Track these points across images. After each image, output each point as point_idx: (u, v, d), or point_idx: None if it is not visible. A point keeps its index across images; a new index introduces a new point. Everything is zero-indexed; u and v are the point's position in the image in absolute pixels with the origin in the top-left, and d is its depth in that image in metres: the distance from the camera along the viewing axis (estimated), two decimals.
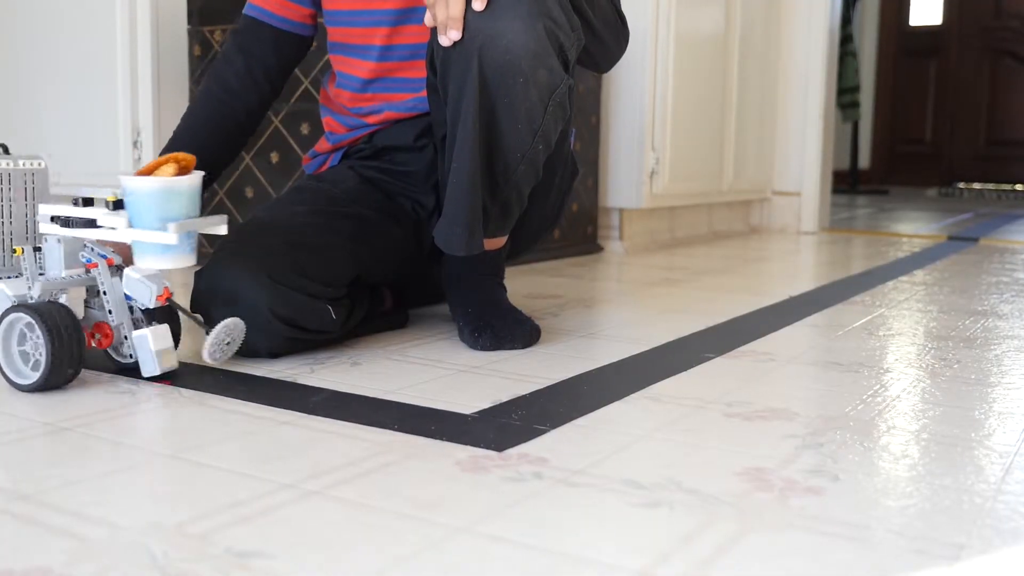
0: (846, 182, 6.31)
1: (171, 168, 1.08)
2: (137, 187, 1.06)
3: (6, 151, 1.19)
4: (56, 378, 1.05)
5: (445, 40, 1.16)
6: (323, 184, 1.42)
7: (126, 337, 1.14)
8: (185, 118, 1.42)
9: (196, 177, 1.09)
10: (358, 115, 1.45)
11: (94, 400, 1.04)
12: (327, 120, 1.50)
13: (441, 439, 0.93)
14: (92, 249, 1.12)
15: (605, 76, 2.69)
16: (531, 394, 1.10)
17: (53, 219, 1.11)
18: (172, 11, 2.41)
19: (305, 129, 2.08)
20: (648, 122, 2.68)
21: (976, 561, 0.67)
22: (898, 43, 7.04)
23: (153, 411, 1.01)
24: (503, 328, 1.35)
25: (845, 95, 5.77)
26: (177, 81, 2.44)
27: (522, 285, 1.96)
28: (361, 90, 1.42)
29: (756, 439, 0.94)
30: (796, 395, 1.12)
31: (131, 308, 1.14)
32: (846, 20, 5.58)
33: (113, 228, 1.08)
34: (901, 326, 1.58)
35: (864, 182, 6.75)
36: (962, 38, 6.80)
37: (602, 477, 0.83)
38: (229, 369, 1.20)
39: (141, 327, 1.12)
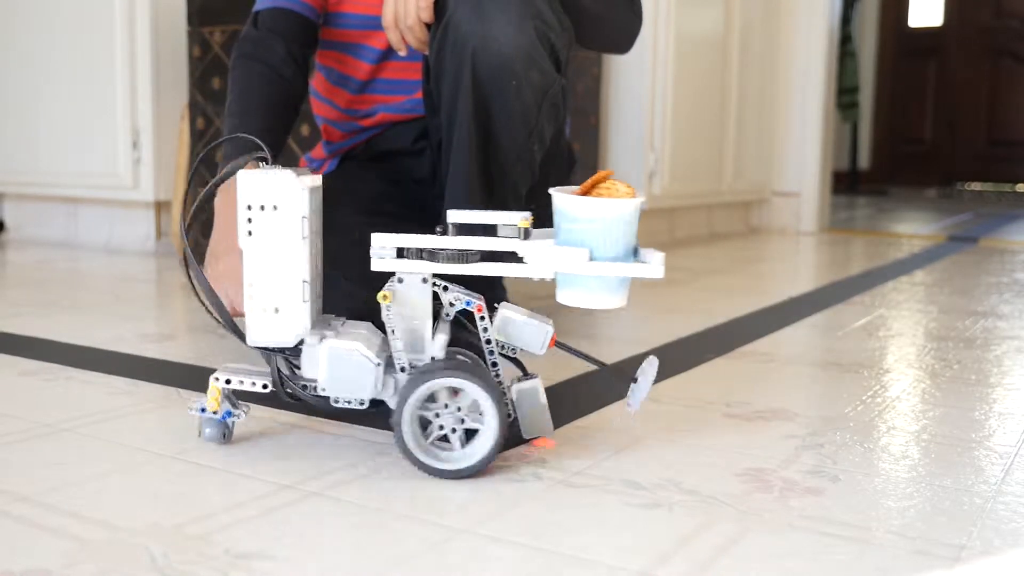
0: (846, 182, 6.31)
1: (624, 186, 0.86)
2: (605, 212, 0.82)
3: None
4: (495, 455, 0.83)
5: (403, 50, 1.23)
6: (349, 184, 1.39)
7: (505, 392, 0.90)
8: (245, 98, 1.30)
9: (642, 198, 0.87)
10: (353, 117, 1.45)
11: (94, 401, 1.04)
12: (324, 127, 1.50)
13: None
14: (449, 290, 0.88)
15: (604, 76, 2.69)
16: None
17: (419, 253, 0.85)
18: (171, 12, 2.41)
19: (305, 131, 2.08)
20: (648, 122, 2.68)
21: (976, 562, 0.67)
22: (898, 43, 7.04)
23: (152, 412, 1.01)
24: None
25: (844, 95, 5.77)
26: (176, 82, 2.44)
27: (522, 285, 1.95)
28: (358, 91, 1.42)
29: (756, 439, 0.94)
30: (796, 395, 1.12)
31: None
32: (845, 20, 5.58)
33: (568, 261, 0.83)
34: (901, 326, 1.58)
35: (864, 182, 6.74)
36: (962, 38, 6.80)
37: (602, 478, 0.83)
38: None
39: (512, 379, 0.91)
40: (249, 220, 0.85)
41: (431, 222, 1.44)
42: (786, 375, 1.22)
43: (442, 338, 0.86)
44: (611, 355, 1.31)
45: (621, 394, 1.10)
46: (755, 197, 3.39)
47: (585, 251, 0.82)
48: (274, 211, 0.85)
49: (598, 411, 1.03)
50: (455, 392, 0.83)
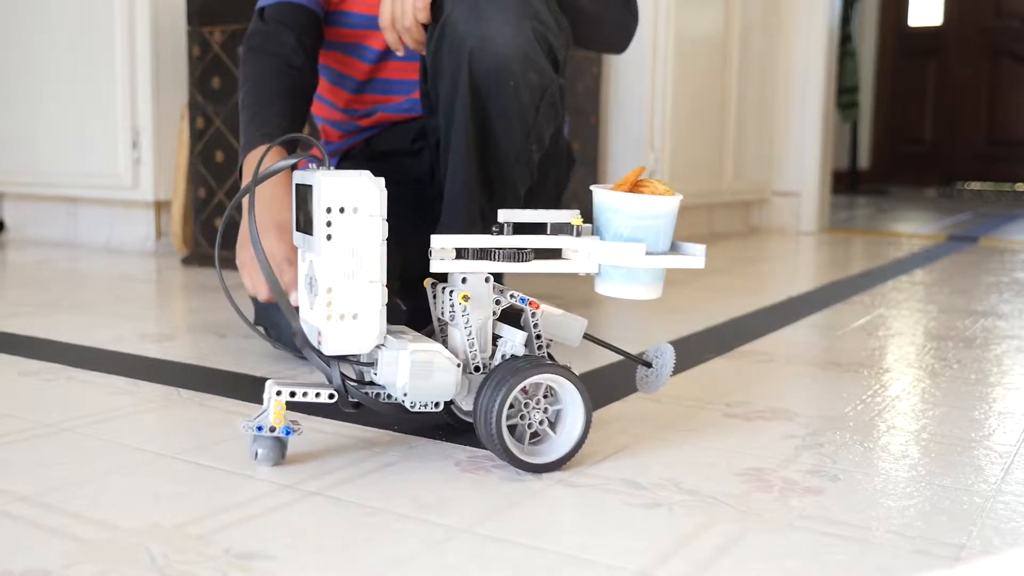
0: (846, 182, 6.31)
1: (660, 184, 0.89)
2: (660, 209, 0.86)
3: None
4: (584, 440, 0.87)
5: (401, 51, 1.22)
6: None
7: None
8: (258, 90, 1.28)
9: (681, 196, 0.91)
10: (352, 118, 1.45)
11: (95, 401, 1.04)
12: (323, 128, 1.50)
13: (441, 439, 0.92)
14: (503, 291, 0.89)
15: (604, 76, 2.69)
16: None
17: (480, 253, 0.86)
18: (171, 12, 2.41)
19: (305, 131, 2.08)
20: (648, 122, 2.68)
21: (976, 562, 0.67)
22: (897, 43, 7.04)
23: (153, 412, 1.01)
24: None
25: (844, 95, 5.77)
26: (176, 82, 2.44)
27: (522, 286, 1.95)
28: (357, 91, 1.42)
29: (756, 439, 0.94)
30: (796, 395, 1.12)
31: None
32: (845, 20, 5.58)
33: (632, 255, 0.86)
34: (901, 326, 1.58)
35: (864, 182, 6.74)
36: (962, 38, 6.80)
37: (601, 477, 0.83)
38: (229, 370, 1.20)
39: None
40: (328, 224, 0.81)
41: (430, 222, 1.44)
42: (786, 375, 1.22)
43: (522, 335, 0.86)
44: (610, 354, 1.31)
45: (622, 393, 1.10)
46: (755, 197, 3.39)
47: (642, 245, 0.87)
48: (354, 214, 0.82)
49: (598, 410, 1.03)
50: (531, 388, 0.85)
